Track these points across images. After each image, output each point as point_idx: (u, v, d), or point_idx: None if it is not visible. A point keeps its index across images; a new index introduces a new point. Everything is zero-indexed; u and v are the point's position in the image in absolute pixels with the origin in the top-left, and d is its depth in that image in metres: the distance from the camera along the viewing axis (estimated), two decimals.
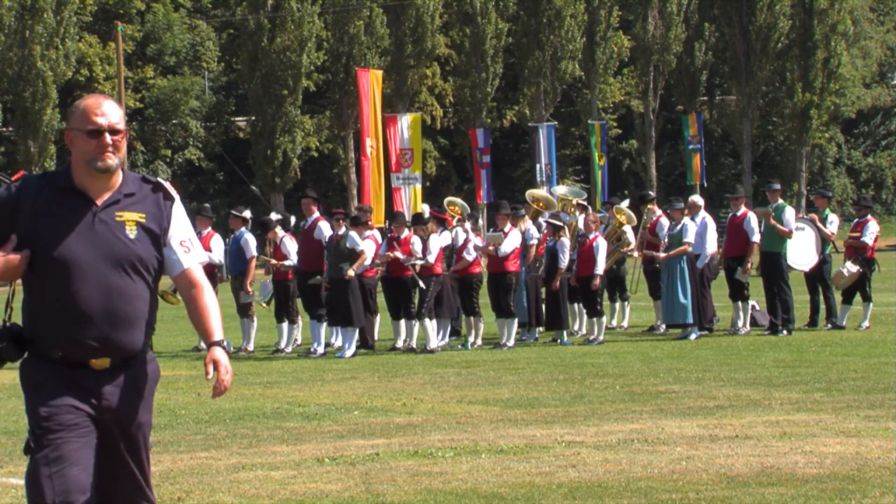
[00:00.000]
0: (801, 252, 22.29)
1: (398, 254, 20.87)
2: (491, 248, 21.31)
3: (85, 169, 5.82)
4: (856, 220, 23.21)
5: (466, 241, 21.47)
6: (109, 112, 5.82)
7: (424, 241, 20.93)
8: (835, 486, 9.19)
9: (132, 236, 5.79)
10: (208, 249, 21.83)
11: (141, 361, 6.04)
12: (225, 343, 5.96)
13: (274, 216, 22.76)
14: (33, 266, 5.74)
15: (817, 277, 22.55)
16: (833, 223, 23.18)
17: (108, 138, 5.78)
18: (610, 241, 22.91)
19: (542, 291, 22.50)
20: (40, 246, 5.71)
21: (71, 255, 5.69)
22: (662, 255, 21.70)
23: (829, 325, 22.38)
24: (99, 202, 5.79)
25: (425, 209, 23.73)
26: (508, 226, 21.55)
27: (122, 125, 5.83)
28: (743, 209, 22.14)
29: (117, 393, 5.90)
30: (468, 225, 22.19)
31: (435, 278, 20.96)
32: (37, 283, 5.78)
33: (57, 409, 5.89)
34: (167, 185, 5.94)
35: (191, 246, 5.99)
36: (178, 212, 5.98)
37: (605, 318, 22.09)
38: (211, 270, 21.88)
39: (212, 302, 5.99)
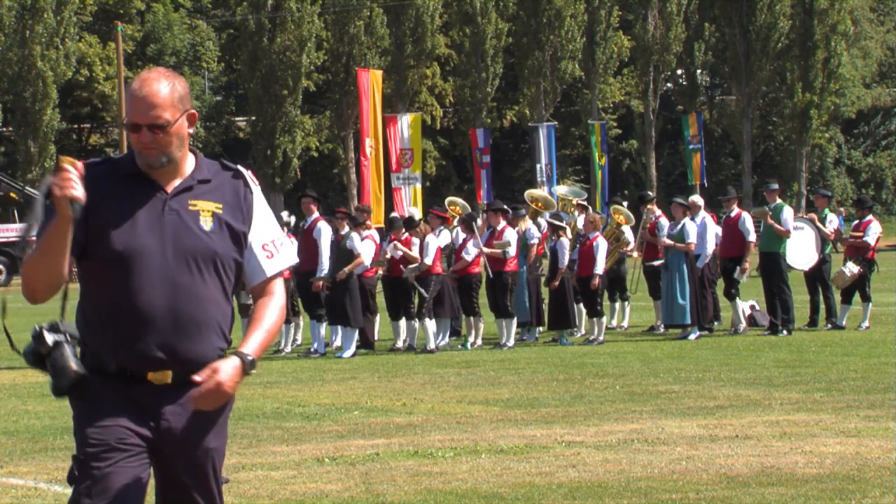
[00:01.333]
0: (801, 252, 22.30)
1: (401, 250, 20.82)
2: (500, 252, 21.30)
3: None
4: (857, 221, 23.21)
5: (465, 240, 21.46)
6: (151, 102, 4.85)
7: (420, 243, 20.92)
8: (835, 486, 9.18)
9: (207, 228, 4.92)
10: None
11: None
12: (248, 360, 4.91)
13: (284, 216, 22.73)
14: (91, 261, 4.90)
15: (817, 277, 22.55)
16: (833, 223, 23.20)
17: (146, 136, 4.86)
18: (608, 241, 22.92)
19: (544, 291, 22.51)
20: (100, 237, 4.86)
21: (134, 247, 4.84)
22: (668, 241, 21.67)
23: (829, 325, 22.38)
24: (168, 189, 4.93)
25: (415, 213, 23.71)
26: (502, 223, 21.56)
27: (167, 116, 4.85)
28: (736, 210, 22.14)
29: (181, 414, 4.91)
30: (459, 229, 22.14)
31: (434, 278, 20.95)
32: (93, 281, 4.93)
33: (106, 433, 4.91)
34: (248, 173, 5.10)
35: (275, 250, 5.07)
36: (261, 206, 5.09)
37: (605, 318, 22.09)
38: None
39: (271, 315, 5.03)
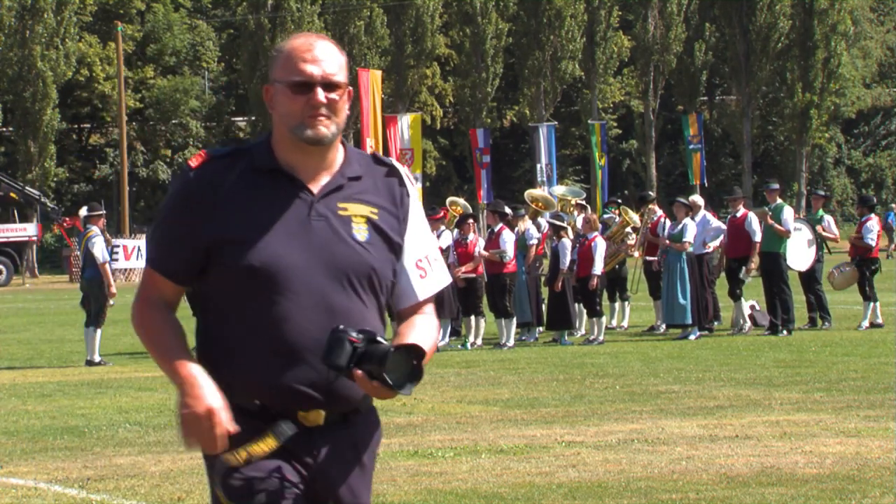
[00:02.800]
0: (800, 252, 22.30)
1: None
2: (497, 257, 21.33)
3: (291, 140, 3.99)
4: (859, 221, 23.27)
5: (470, 241, 21.49)
6: (325, 57, 3.98)
7: None
8: (835, 486, 9.19)
9: (361, 238, 4.01)
10: None
11: (364, 417, 4.14)
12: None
13: None
14: (219, 278, 3.97)
15: (809, 276, 22.56)
16: (830, 224, 23.22)
17: (321, 95, 3.95)
18: (615, 241, 22.93)
19: (544, 291, 22.52)
20: (232, 251, 3.93)
21: (278, 263, 3.92)
22: (666, 241, 21.69)
23: (826, 325, 22.38)
24: (314, 189, 4.00)
25: None
26: (500, 225, 21.59)
27: (341, 77, 3.99)
28: (742, 210, 22.14)
29: (335, 461, 4.06)
30: (455, 233, 22.15)
31: None
32: (224, 303, 3.98)
33: (255, 484, 3.97)
34: (404, 170, 4.18)
35: (429, 267, 4.17)
36: (416, 212, 4.17)
37: (604, 318, 22.10)
38: None
39: (431, 332, 4.14)
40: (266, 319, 3.94)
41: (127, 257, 53.87)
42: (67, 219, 55.15)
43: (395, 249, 4.08)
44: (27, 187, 56.68)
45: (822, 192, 25.40)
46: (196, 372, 3.92)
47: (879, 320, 22.30)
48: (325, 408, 3.99)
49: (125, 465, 10.83)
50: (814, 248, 22.43)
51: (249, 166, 4.00)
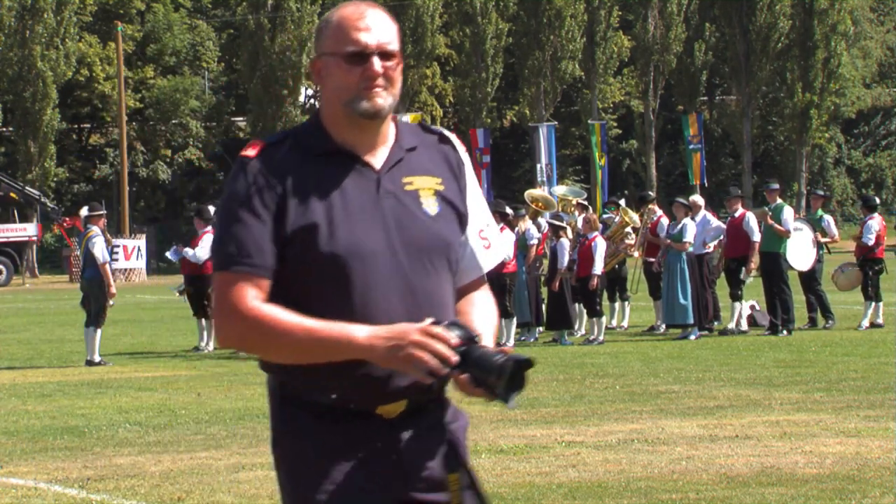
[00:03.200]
0: (802, 252, 22.30)
1: None
2: None
3: (344, 115, 3.75)
4: (862, 221, 23.32)
5: None
6: (378, 26, 3.75)
7: None
8: (835, 486, 9.19)
9: (433, 212, 3.78)
10: (195, 246, 21.94)
11: (444, 399, 3.96)
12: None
13: None
14: (295, 267, 3.70)
15: (810, 277, 22.56)
16: (830, 224, 23.23)
17: (378, 65, 3.71)
18: (614, 241, 22.93)
19: (543, 291, 22.52)
20: (307, 239, 3.69)
21: (357, 246, 3.68)
22: (667, 241, 21.70)
23: (829, 324, 22.38)
24: (376, 165, 3.77)
25: None
26: (500, 225, 21.56)
27: (395, 45, 3.76)
28: (740, 210, 22.15)
29: (419, 449, 3.83)
30: None
31: None
32: (300, 292, 3.70)
33: (345, 493, 3.69)
34: (453, 136, 3.99)
35: (491, 237, 3.95)
36: (472, 178, 3.97)
37: (605, 318, 22.10)
38: (201, 270, 21.92)
39: (492, 310, 3.94)
40: (347, 307, 3.66)
41: (127, 257, 53.89)
42: (67, 219, 55.18)
43: (463, 221, 3.86)
44: (27, 187, 56.69)
45: (821, 192, 25.42)
46: (357, 325, 3.61)
47: (880, 320, 22.30)
48: (405, 395, 3.74)
49: (125, 465, 10.83)
50: (815, 248, 22.43)
51: (306, 150, 3.76)
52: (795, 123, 68.56)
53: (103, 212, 20.77)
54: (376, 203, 3.72)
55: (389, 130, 3.80)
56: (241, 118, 71.34)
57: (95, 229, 19.93)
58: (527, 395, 14.78)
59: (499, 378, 3.60)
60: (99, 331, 19.82)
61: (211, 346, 21.83)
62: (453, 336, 3.58)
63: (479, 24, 65.17)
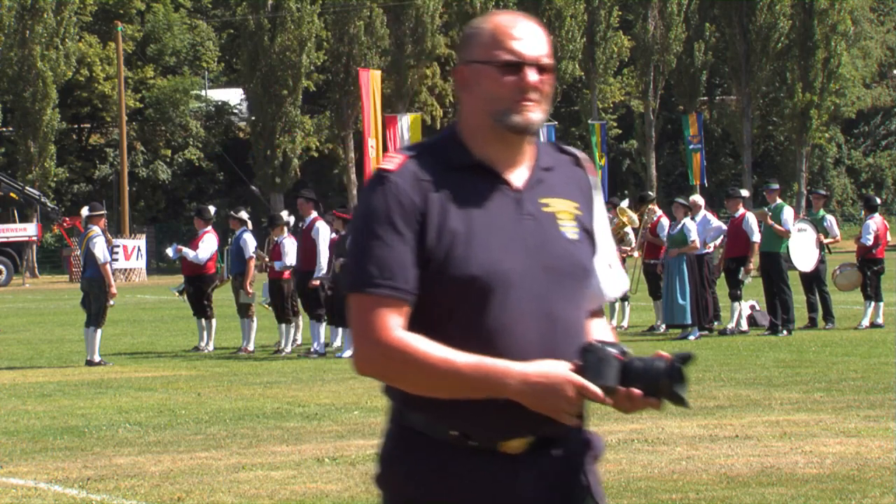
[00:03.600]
0: (805, 253, 22.28)
1: None
2: None
3: (491, 129, 3.55)
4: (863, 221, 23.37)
5: None
6: (534, 37, 3.57)
7: None
8: (835, 486, 9.18)
9: (572, 237, 3.60)
10: (195, 247, 21.96)
11: (574, 436, 3.77)
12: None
13: (284, 215, 22.71)
14: (433, 293, 3.48)
15: (813, 278, 22.56)
16: (832, 224, 23.22)
17: (533, 76, 3.53)
18: (613, 241, 22.92)
19: None
20: (444, 259, 3.48)
21: (500, 269, 3.48)
22: (674, 251, 21.68)
23: (829, 325, 22.38)
24: (516, 183, 3.57)
25: None
26: None
27: (550, 60, 3.59)
28: (741, 210, 22.15)
29: (549, 492, 3.62)
30: None
31: None
32: (432, 317, 3.48)
33: None
34: (586, 158, 3.78)
35: (615, 265, 3.82)
36: (600, 204, 3.79)
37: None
38: (201, 270, 21.93)
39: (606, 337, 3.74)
40: (482, 332, 3.44)
41: (127, 257, 53.91)
42: (67, 219, 55.20)
43: (595, 247, 3.68)
44: (27, 187, 56.69)
45: (823, 192, 25.39)
46: (504, 361, 3.43)
47: (880, 320, 22.30)
48: (533, 431, 3.51)
49: (125, 465, 10.83)
50: (818, 248, 22.42)
51: (444, 164, 3.54)
52: (795, 123, 68.56)
53: (104, 212, 20.78)
54: (517, 223, 3.51)
55: (530, 148, 3.60)
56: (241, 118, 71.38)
57: (96, 229, 19.94)
58: None
59: (671, 381, 3.48)
60: (99, 331, 19.82)
61: (211, 346, 21.84)
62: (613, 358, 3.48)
63: None
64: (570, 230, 3.57)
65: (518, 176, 3.55)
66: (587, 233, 3.63)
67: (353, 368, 3.57)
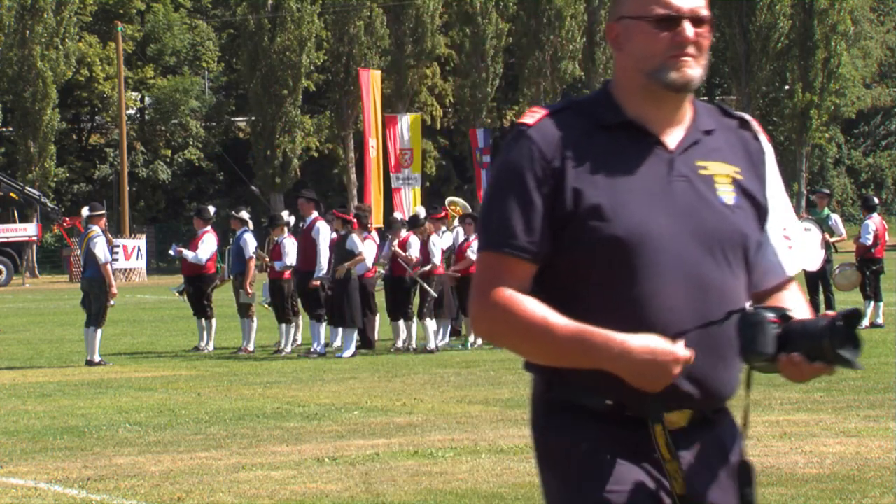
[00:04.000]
0: (811, 252, 22.27)
1: (407, 254, 20.84)
2: None
3: (644, 87, 3.40)
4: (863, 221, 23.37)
5: (468, 240, 21.46)
6: None
7: (424, 244, 20.94)
8: (835, 486, 9.19)
9: (729, 201, 3.40)
10: (195, 247, 21.98)
11: (728, 414, 3.69)
12: None
13: (285, 215, 22.71)
14: (574, 256, 3.35)
15: (818, 277, 22.56)
16: (837, 223, 23.23)
17: (690, 30, 3.35)
18: None
19: None
20: (585, 219, 3.33)
21: (645, 232, 3.32)
22: None
23: None
24: (670, 144, 3.40)
25: (420, 211, 23.70)
26: None
27: (706, 11, 3.41)
28: None
29: (702, 469, 3.44)
30: (460, 229, 22.10)
31: (436, 278, 20.97)
32: (576, 282, 3.36)
33: (623, 498, 3.33)
34: (756, 123, 3.57)
35: (794, 238, 3.56)
36: (775, 172, 3.56)
37: None
38: (201, 270, 21.93)
39: (799, 306, 3.48)
40: (628, 298, 3.30)
41: (127, 257, 53.91)
42: (67, 219, 55.20)
43: (762, 215, 3.47)
44: (27, 187, 56.69)
45: (826, 191, 25.38)
46: (604, 331, 3.29)
47: (880, 320, 22.29)
48: (692, 406, 3.42)
49: (125, 465, 10.84)
50: (824, 248, 22.41)
51: (592, 121, 3.39)
52: (795, 123, 68.58)
53: (104, 212, 20.79)
54: (667, 185, 3.35)
55: (687, 109, 3.43)
56: (241, 118, 71.34)
57: (97, 229, 19.94)
58: (527, 395, 14.81)
59: (833, 342, 3.22)
60: (99, 331, 19.83)
61: (211, 346, 21.85)
62: (770, 315, 3.27)
63: (479, 24, 65.15)
64: (728, 195, 3.39)
65: (673, 137, 3.39)
66: (750, 198, 3.43)
67: (473, 329, 3.56)
